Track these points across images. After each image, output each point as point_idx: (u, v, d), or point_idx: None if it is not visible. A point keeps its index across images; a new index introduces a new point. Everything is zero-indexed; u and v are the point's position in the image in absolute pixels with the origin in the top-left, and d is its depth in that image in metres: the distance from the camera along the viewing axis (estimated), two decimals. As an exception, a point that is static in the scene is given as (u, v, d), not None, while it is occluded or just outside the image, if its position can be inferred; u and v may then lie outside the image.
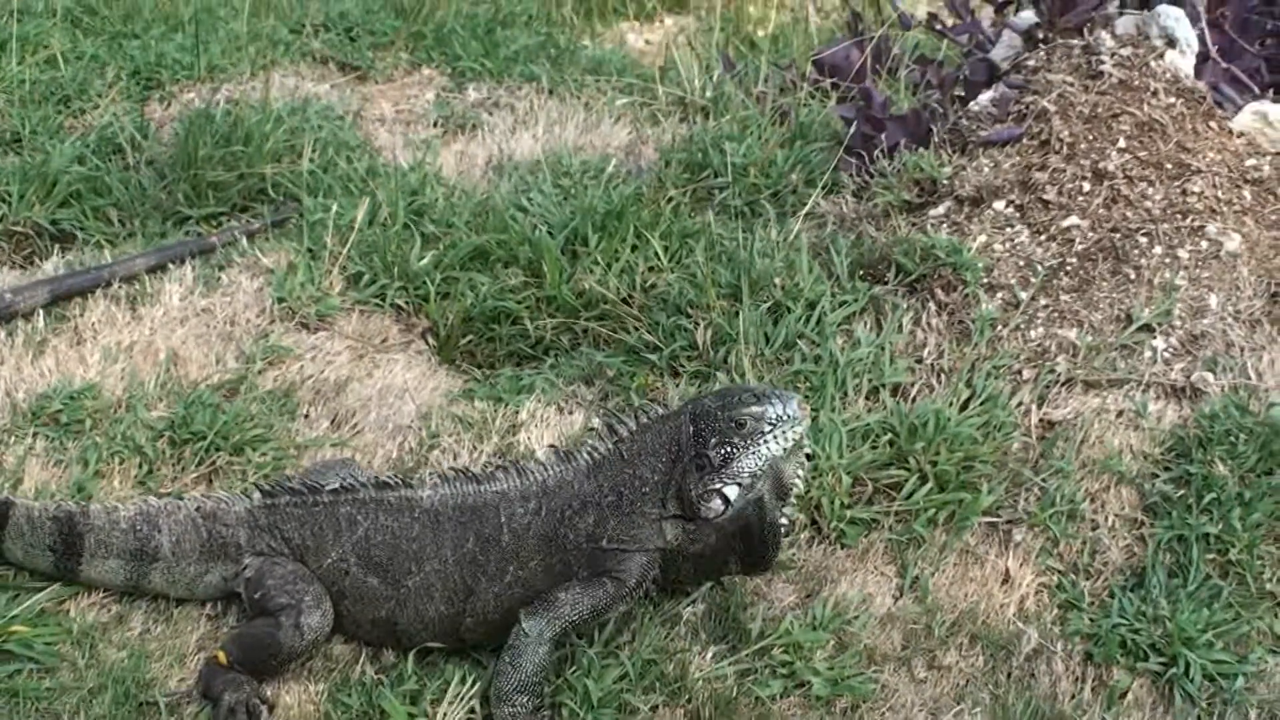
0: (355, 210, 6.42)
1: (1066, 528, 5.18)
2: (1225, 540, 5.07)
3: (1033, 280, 5.76)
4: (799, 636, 4.78)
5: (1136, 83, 6.21)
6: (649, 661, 4.69)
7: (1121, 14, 6.40)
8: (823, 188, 6.56)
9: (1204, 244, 5.79)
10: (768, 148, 6.88)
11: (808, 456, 4.70)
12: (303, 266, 6.20)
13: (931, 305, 5.79)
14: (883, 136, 6.62)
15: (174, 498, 4.90)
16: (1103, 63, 6.26)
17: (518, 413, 5.61)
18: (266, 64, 8.10)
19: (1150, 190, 5.94)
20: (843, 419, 5.35)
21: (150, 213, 6.77)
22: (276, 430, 5.49)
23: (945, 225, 6.06)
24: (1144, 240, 5.82)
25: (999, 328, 5.67)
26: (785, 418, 4.43)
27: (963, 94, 6.83)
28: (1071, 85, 6.25)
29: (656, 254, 6.22)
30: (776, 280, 5.83)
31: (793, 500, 4.65)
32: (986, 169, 6.19)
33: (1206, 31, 6.48)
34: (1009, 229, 5.97)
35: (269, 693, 4.56)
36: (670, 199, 6.67)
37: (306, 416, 5.62)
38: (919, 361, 5.65)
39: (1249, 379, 5.49)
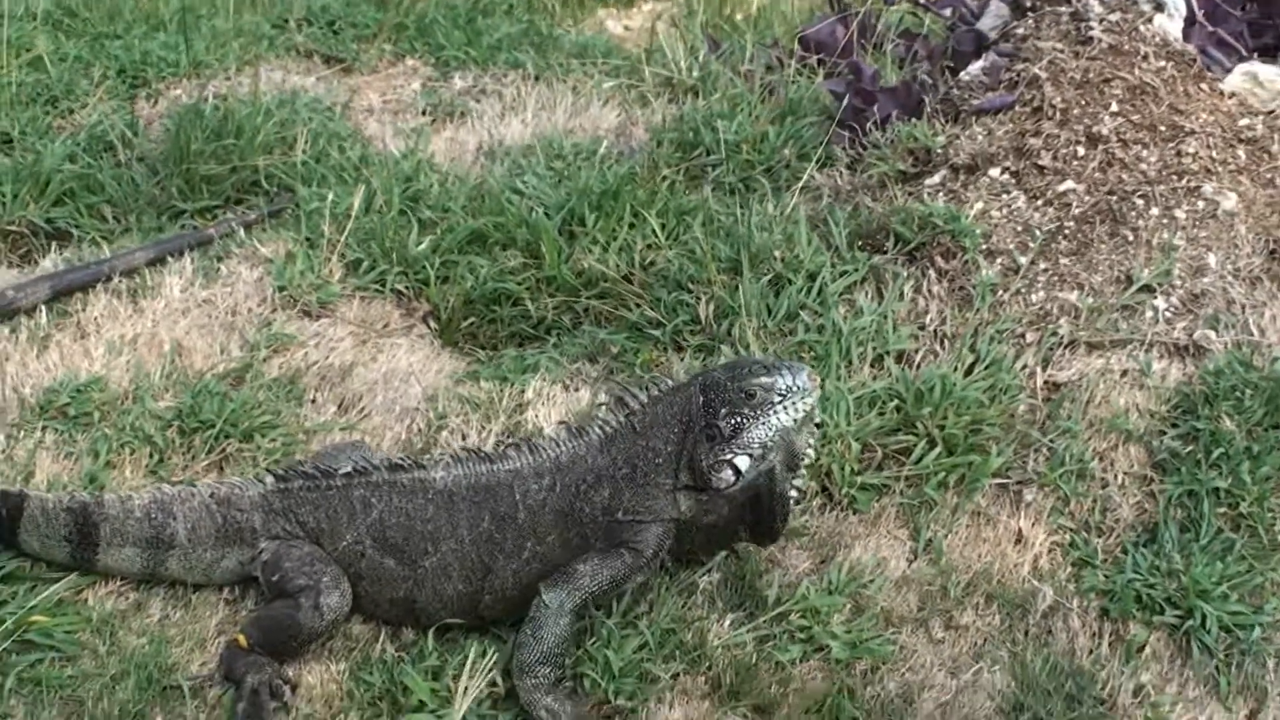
0: (351, 198, 6.43)
1: (1076, 487, 5.20)
2: (1235, 494, 5.10)
3: (1031, 245, 5.79)
4: (816, 601, 4.80)
5: (1126, 47, 6.24)
6: (668, 631, 4.71)
7: (1108, -21, 6.44)
8: (816, 161, 6.58)
9: (1200, 204, 5.82)
10: (759, 124, 6.89)
11: (818, 426, 4.71)
12: (301, 255, 6.20)
13: (932, 273, 5.81)
14: (874, 109, 6.64)
15: (187, 485, 4.90)
16: (1091, 28, 6.29)
17: (524, 392, 5.61)
18: (251, 59, 8.11)
19: (1145, 153, 5.96)
20: (849, 387, 5.37)
21: (144, 208, 6.77)
22: (284, 416, 5.49)
23: (941, 194, 6.08)
24: (1141, 202, 5.84)
25: (1000, 293, 5.69)
26: (795, 388, 4.44)
27: (952, 65, 6.85)
28: (1061, 51, 6.27)
29: (654, 231, 6.23)
30: (776, 253, 5.85)
31: (803, 472, 4.65)
32: (980, 137, 6.22)
33: (1192, -5, 6.54)
34: (1005, 195, 5.99)
35: (290, 673, 4.57)
36: (664, 178, 6.68)
37: (313, 402, 5.62)
38: (922, 328, 5.67)
39: (1251, 335, 5.52)
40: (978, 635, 4.86)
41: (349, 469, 4.71)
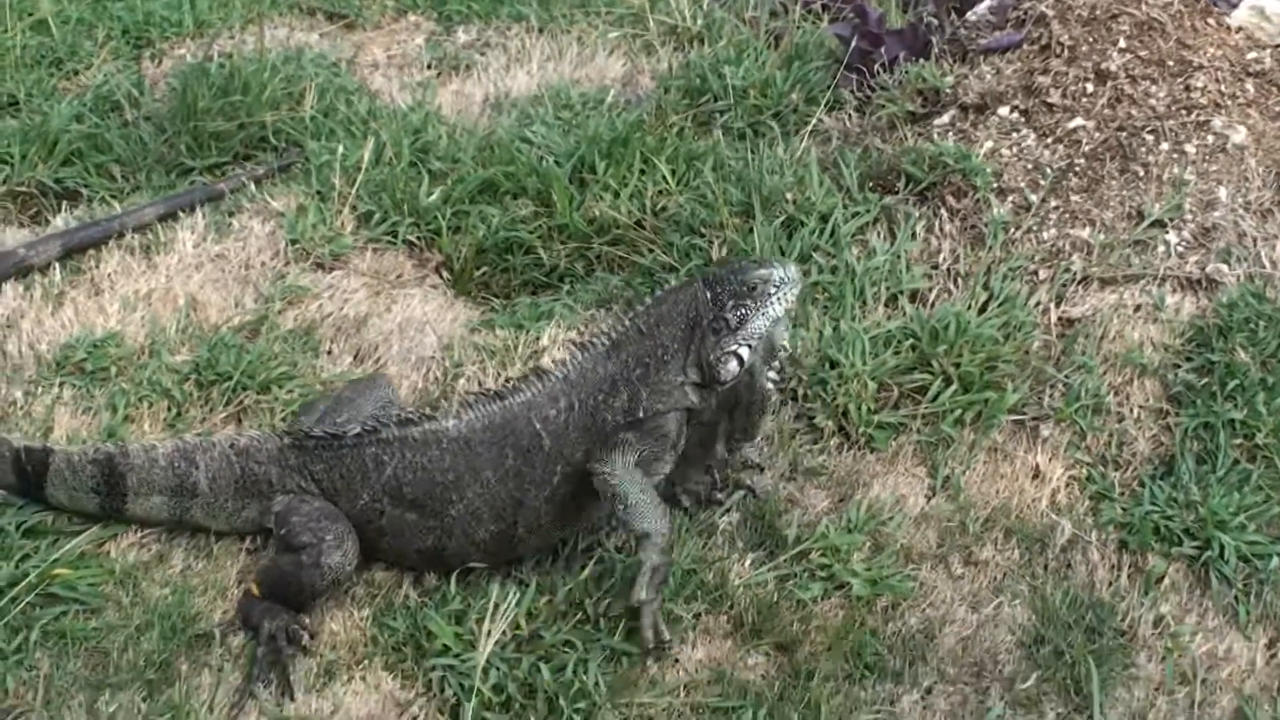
0: (361, 151, 6.42)
1: (1093, 421, 5.22)
2: (1251, 425, 5.12)
3: (1042, 182, 5.79)
4: (835, 540, 4.84)
5: (1132, -17, 6.24)
6: (689, 571, 4.74)
7: (1111, -85, 6.42)
8: (825, 105, 6.57)
9: (1210, 138, 5.82)
10: (766, 69, 6.88)
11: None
12: (313, 208, 6.20)
13: (943, 212, 5.82)
14: (881, 51, 6.62)
15: (208, 435, 4.92)
16: (1097, -35, 6.28)
17: (539, 338, 5.62)
18: (255, 17, 8.07)
19: (1153, 88, 5.97)
20: (864, 327, 5.39)
21: (153, 166, 6.75)
22: (301, 367, 5.50)
23: (951, 133, 6.09)
24: (1150, 138, 5.85)
25: (1012, 230, 5.70)
26: (787, 279, 4.63)
27: (958, 5, 6.83)
28: (1068, -12, 6.28)
29: (664, 178, 6.23)
30: (788, 195, 5.86)
31: (777, 364, 4.77)
32: (989, 76, 6.22)
33: (1196, -71, 6.51)
34: (1015, 134, 6.00)
35: (308, 619, 4.61)
36: (673, 124, 6.68)
37: (329, 353, 5.62)
38: (935, 267, 5.68)
39: (1264, 268, 5.53)
40: (997, 570, 4.89)
41: (358, 429, 4.70)
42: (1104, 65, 6.02)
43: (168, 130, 6.87)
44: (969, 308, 5.43)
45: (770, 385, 4.79)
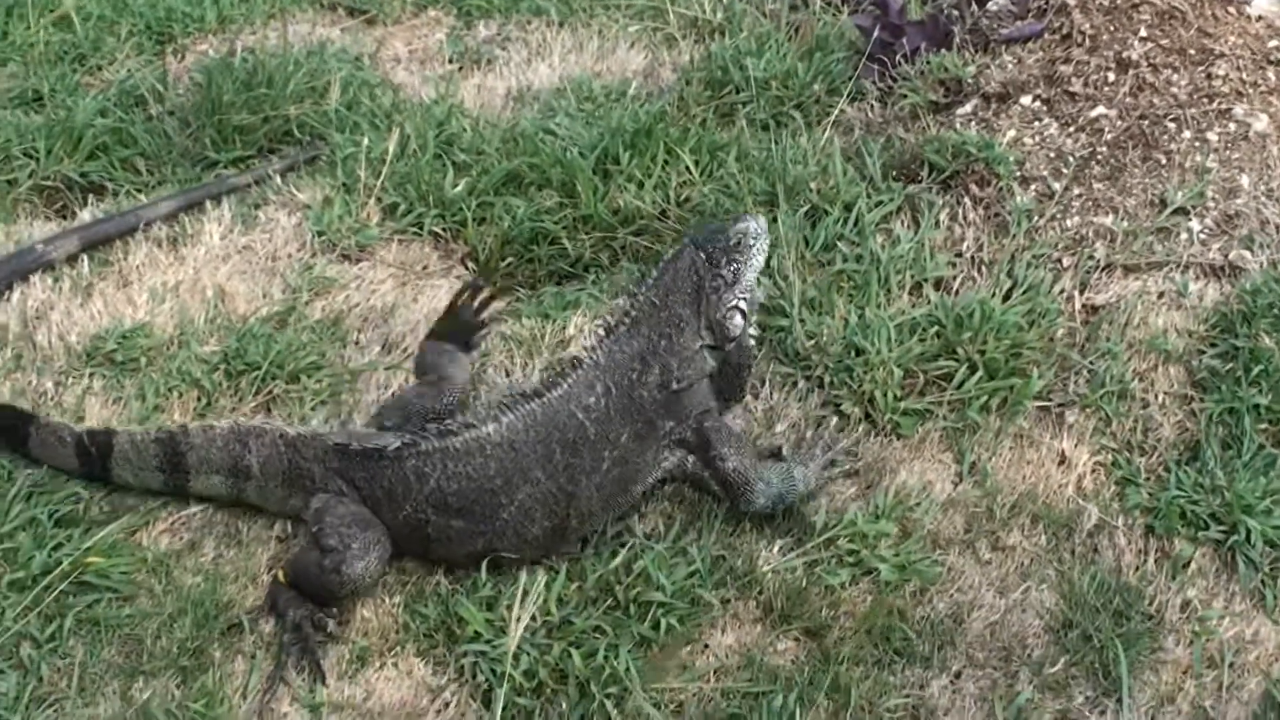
0: (385, 144, 6.44)
1: (1118, 407, 5.24)
2: (1275, 410, 5.14)
3: (1065, 171, 5.81)
4: (863, 526, 4.87)
5: (1152, -28, 6.25)
6: (718, 557, 4.78)
7: (1132, -95, 6.43)
8: (847, 96, 6.58)
9: (1232, 126, 5.84)
10: (787, 61, 6.89)
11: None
12: (339, 200, 6.22)
13: (967, 200, 5.83)
14: (903, 42, 6.63)
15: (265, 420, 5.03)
16: (1117, -46, 6.30)
17: (565, 328, 5.63)
18: (276, 12, 8.10)
19: (1175, 76, 5.98)
20: (889, 314, 5.40)
21: (178, 160, 6.77)
22: (329, 357, 5.53)
23: (974, 122, 6.10)
24: (1172, 126, 5.86)
25: (1035, 218, 5.71)
26: (762, 231, 4.94)
27: (979, -4, 6.86)
28: (1089, -22, 6.30)
29: (688, 168, 6.25)
30: (812, 184, 5.88)
31: (754, 319, 4.97)
32: (1010, 65, 6.24)
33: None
34: (1038, 122, 6.01)
35: (335, 610, 4.65)
36: (695, 115, 6.70)
37: (357, 343, 5.64)
38: (959, 255, 5.69)
39: (1287, 254, 5.55)
40: (1024, 555, 4.91)
41: (397, 444, 4.70)
42: (1125, 54, 6.03)
43: (192, 124, 6.89)
44: (993, 295, 5.44)
45: (752, 342, 4.97)
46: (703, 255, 4.82)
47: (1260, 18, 6.25)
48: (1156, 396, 5.28)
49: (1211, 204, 5.65)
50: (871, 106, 6.56)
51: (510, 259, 6.14)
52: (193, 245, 6.06)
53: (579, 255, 6.14)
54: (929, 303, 5.48)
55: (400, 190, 6.28)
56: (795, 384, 5.33)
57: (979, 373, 5.26)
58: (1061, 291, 5.53)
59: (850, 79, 6.69)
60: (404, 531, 4.71)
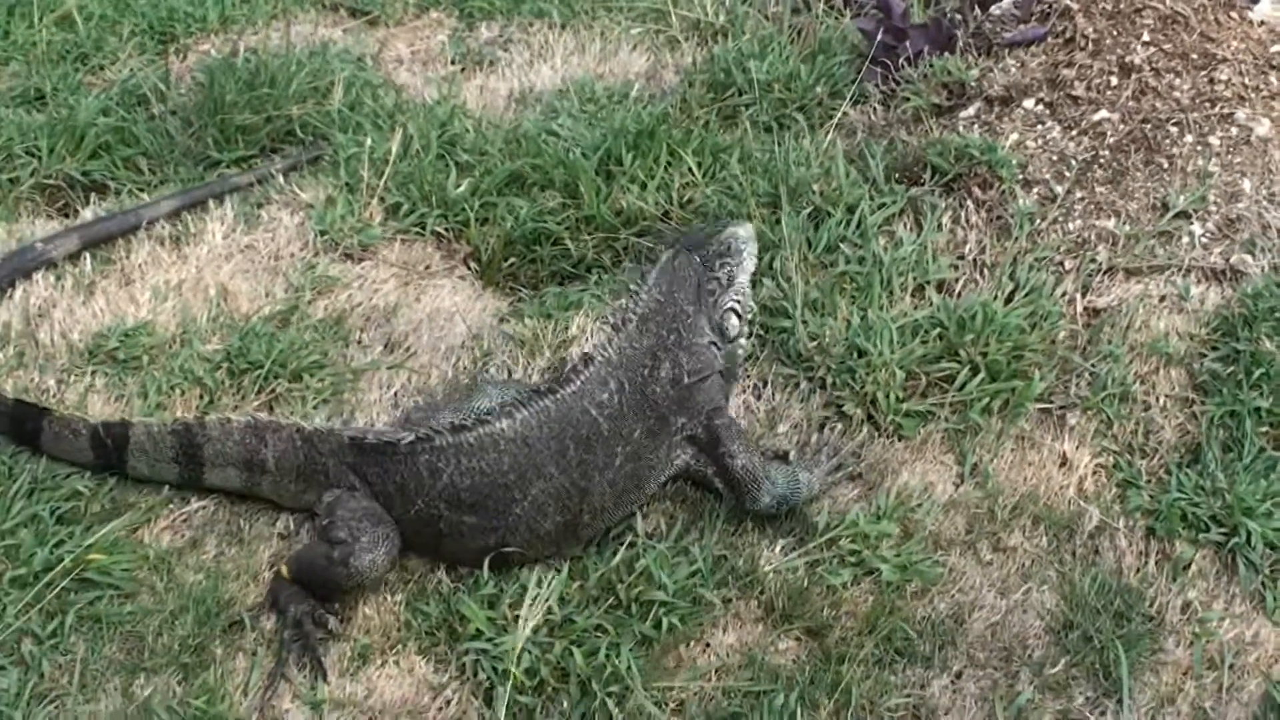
0: (388, 144, 6.44)
1: (1119, 410, 5.25)
2: (1276, 413, 5.15)
3: (1067, 174, 5.81)
4: (865, 527, 4.87)
5: (1155, -23, 6.27)
6: (719, 557, 4.78)
7: (1135, -91, 6.44)
8: (850, 98, 6.59)
9: (1234, 130, 5.85)
10: (790, 63, 6.90)
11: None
12: (341, 200, 6.22)
13: (969, 203, 5.84)
14: (906, 45, 6.64)
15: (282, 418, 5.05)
16: (1120, -41, 6.31)
17: (567, 328, 5.64)
18: (279, 13, 8.11)
19: (1178, 81, 5.99)
20: (891, 316, 5.40)
21: (180, 159, 6.77)
22: (332, 356, 5.53)
23: (977, 125, 6.11)
24: (1175, 130, 5.87)
25: (1037, 221, 5.72)
26: (750, 236, 5.08)
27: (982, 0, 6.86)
28: (1092, -18, 6.31)
29: (690, 169, 6.26)
30: (815, 187, 5.88)
31: (745, 328, 5.04)
32: (1014, 69, 6.25)
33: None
34: (1040, 126, 6.02)
35: (336, 606, 4.65)
36: (698, 117, 6.71)
37: (360, 342, 5.64)
38: (961, 258, 5.70)
39: (1288, 258, 5.56)
40: (1026, 556, 4.92)
41: (411, 438, 4.70)
42: (1128, 58, 6.04)
43: (194, 124, 6.89)
44: (995, 297, 5.45)
45: (743, 342, 5.04)
46: (698, 259, 4.91)
47: (1263, 23, 6.27)
48: (1158, 399, 5.29)
49: (1213, 208, 5.66)
50: (874, 109, 6.57)
51: (513, 259, 6.15)
52: (195, 244, 6.06)
53: (581, 256, 6.15)
54: (931, 305, 5.49)
55: (403, 190, 6.28)
56: (798, 385, 5.34)
57: (981, 375, 5.26)
58: (1063, 294, 5.54)
59: (853, 82, 6.71)
60: (416, 527, 4.70)
